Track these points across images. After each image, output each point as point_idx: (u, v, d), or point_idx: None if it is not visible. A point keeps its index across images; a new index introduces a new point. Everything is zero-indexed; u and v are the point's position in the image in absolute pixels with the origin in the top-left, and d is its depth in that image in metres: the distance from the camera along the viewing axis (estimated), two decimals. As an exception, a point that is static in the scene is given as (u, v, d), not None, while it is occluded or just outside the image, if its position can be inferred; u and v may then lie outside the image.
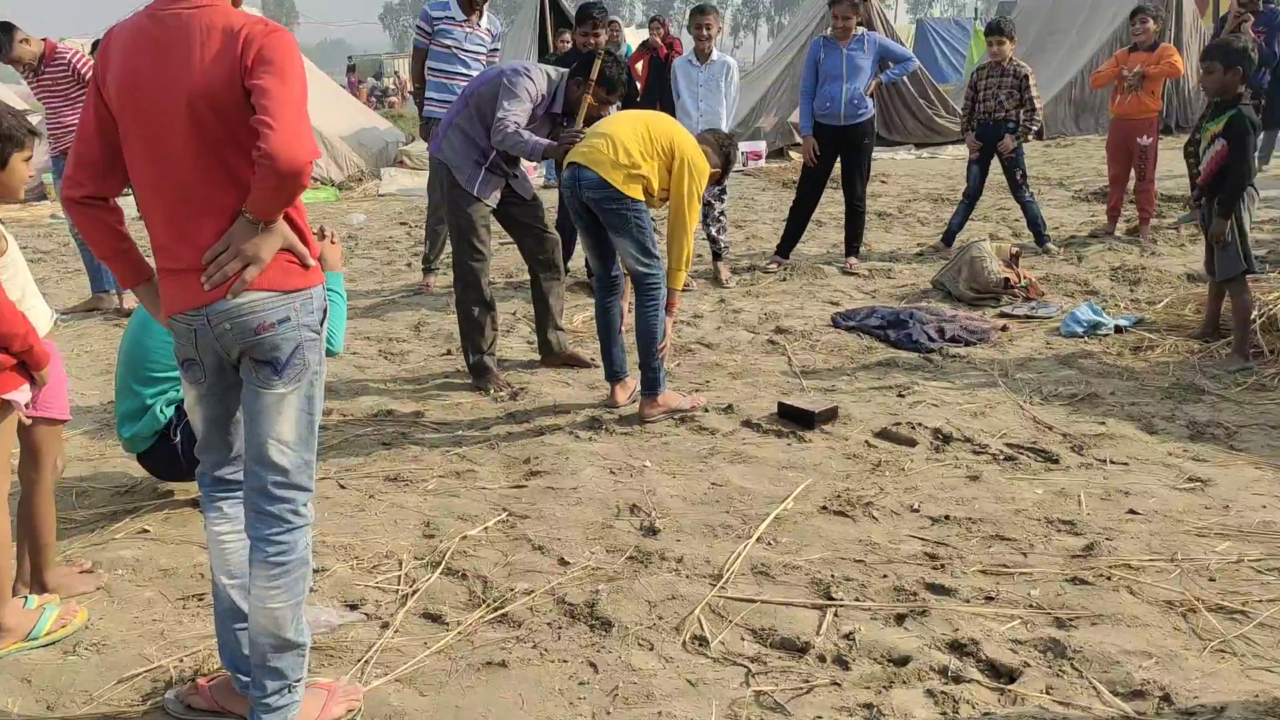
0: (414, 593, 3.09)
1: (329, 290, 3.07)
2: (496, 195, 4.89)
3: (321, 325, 2.37)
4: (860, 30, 7.07)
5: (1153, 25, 7.71)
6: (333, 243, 3.11)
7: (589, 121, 4.74)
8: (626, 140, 4.29)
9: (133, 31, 2.20)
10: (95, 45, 6.56)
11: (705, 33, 6.80)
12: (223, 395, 2.40)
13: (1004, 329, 5.72)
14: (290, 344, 2.27)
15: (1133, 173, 7.89)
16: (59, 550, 3.21)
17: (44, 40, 6.34)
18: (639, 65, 9.70)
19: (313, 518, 2.41)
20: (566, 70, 4.86)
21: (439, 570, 3.21)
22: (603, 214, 4.34)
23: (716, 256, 7.16)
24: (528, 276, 5.36)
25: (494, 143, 4.65)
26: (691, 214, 4.42)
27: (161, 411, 3.55)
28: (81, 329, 6.34)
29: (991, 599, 2.96)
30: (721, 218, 7.06)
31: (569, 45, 9.49)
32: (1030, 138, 7.64)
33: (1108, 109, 8.32)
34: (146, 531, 3.54)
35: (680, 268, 4.47)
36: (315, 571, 3.12)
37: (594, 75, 4.68)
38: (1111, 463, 3.90)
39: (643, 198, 4.32)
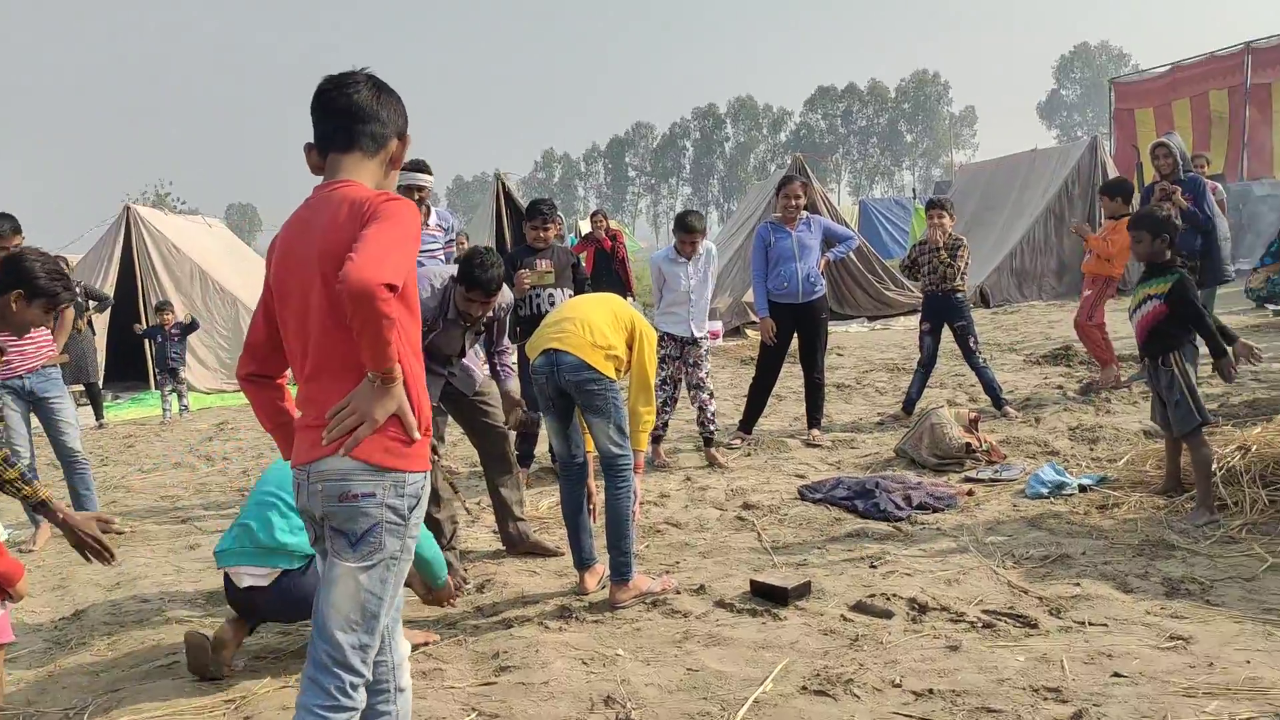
0: (379, 806, 2.91)
1: None
2: (433, 394, 4.86)
3: (410, 514, 2.37)
4: (804, 214, 7.42)
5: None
6: None
7: (473, 321, 4.71)
8: (599, 321, 4.40)
9: (293, 218, 2.45)
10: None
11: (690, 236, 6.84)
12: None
13: (970, 493, 5.73)
14: (368, 520, 2.30)
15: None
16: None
17: None
18: (582, 255, 10.13)
19: (361, 706, 2.36)
20: (452, 274, 4.68)
21: (406, 779, 3.05)
22: (582, 395, 4.36)
23: (708, 443, 7.14)
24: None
25: None
26: (652, 380, 4.63)
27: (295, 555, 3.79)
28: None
29: (983, 776, 2.85)
30: (710, 395, 7.09)
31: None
32: (977, 300, 7.93)
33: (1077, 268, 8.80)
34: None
35: (645, 430, 4.60)
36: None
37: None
38: (1091, 625, 3.84)
39: (615, 376, 4.40)
